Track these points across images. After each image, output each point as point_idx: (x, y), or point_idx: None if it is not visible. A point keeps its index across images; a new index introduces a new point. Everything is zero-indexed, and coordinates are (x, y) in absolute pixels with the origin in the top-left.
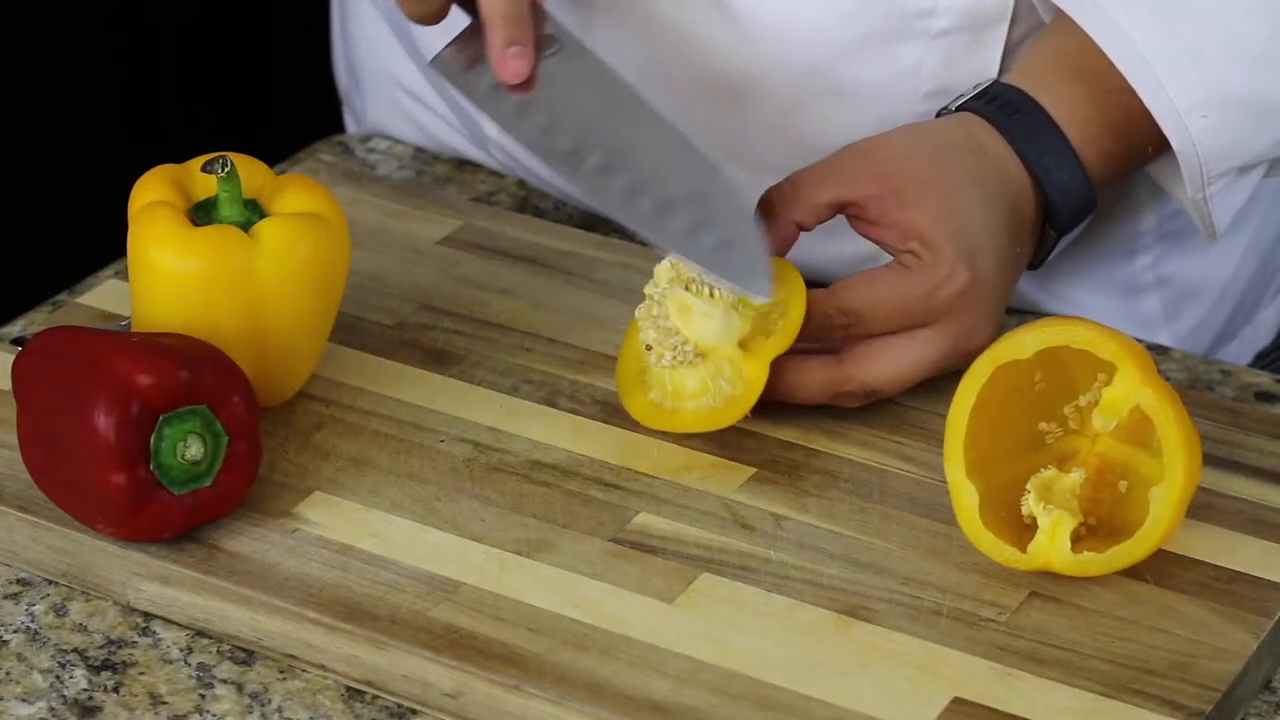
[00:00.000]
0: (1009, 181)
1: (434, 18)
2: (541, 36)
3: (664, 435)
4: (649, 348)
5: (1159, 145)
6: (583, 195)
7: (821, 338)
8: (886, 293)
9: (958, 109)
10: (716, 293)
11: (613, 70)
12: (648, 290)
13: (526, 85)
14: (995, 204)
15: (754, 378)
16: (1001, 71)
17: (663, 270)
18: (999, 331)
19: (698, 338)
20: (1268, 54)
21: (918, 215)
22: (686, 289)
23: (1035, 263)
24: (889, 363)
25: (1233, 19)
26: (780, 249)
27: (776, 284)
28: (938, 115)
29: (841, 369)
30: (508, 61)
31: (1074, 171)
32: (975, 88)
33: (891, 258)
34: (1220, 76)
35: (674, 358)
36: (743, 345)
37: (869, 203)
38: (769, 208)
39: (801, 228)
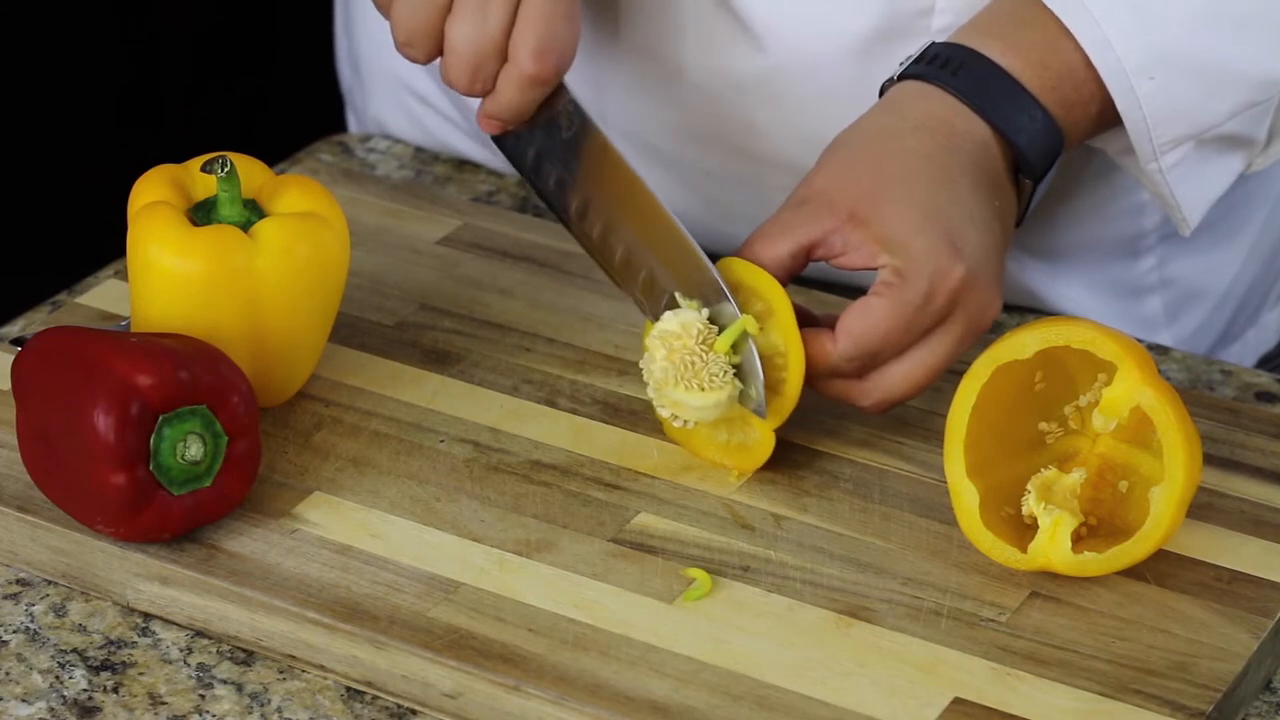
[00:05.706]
0: (960, 139)
1: (424, 60)
2: (560, 111)
3: (664, 435)
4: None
5: (1107, 112)
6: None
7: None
8: (885, 319)
9: (899, 79)
10: (706, 383)
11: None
12: (642, 367)
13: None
14: (954, 172)
15: (764, 438)
16: None
17: (655, 359)
18: (1003, 293)
19: (698, 420)
20: (1218, 16)
21: (876, 228)
22: (677, 384)
23: (1018, 218)
24: (907, 376)
25: None
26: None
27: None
28: (881, 90)
29: (860, 385)
30: (483, 122)
31: (1033, 113)
32: (918, 50)
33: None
34: (1169, 37)
35: (685, 423)
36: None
37: (830, 239)
38: None
39: None
